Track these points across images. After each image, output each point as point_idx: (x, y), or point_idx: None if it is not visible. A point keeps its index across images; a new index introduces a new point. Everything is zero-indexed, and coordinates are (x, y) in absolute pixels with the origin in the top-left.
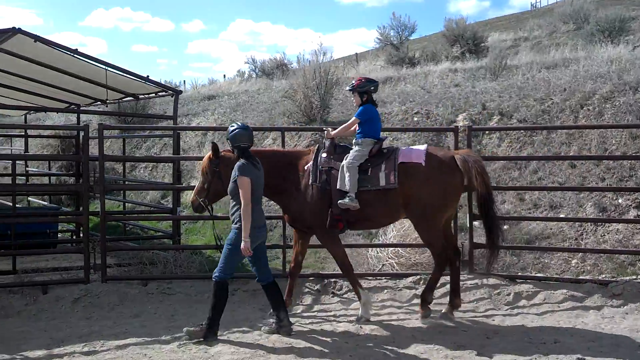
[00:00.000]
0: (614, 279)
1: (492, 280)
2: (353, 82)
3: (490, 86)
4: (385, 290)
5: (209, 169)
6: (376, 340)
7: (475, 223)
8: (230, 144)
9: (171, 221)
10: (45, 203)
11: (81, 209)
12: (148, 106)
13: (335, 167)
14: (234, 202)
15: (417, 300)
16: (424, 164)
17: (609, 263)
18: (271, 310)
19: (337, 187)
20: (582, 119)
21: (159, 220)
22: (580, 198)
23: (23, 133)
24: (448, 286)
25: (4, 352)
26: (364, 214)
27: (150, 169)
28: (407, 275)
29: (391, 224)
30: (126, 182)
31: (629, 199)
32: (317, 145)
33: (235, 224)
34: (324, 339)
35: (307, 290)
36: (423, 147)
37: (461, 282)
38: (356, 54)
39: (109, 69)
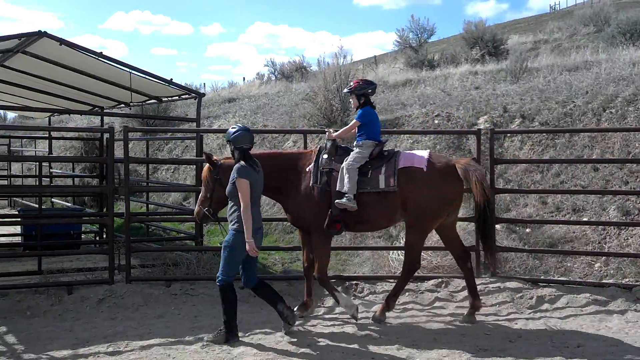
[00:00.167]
0: (637, 283)
1: (514, 284)
2: (351, 84)
3: (511, 89)
4: (407, 293)
5: (209, 178)
6: (398, 343)
7: (498, 226)
8: (232, 145)
9: (194, 222)
10: (69, 204)
11: (104, 210)
12: (170, 109)
13: (335, 168)
14: (232, 204)
15: (439, 304)
16: (425, 170)
17: (632, 267)
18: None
19: (337, 188)
20: (605, 121)
21: (181, 221)
22: (603, 201)
23: (46, 135)
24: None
25: (30, 352)
26: (363, 216)
27: (172, 171)
28: (428, 278)
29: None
30: (149, 184)
31: None
32: (319, 146)
33: (233, 225)
34: (345, 340)
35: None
36: (425, 152)
37: (483, 286)
38: (374, 56)
39: (134, 71)
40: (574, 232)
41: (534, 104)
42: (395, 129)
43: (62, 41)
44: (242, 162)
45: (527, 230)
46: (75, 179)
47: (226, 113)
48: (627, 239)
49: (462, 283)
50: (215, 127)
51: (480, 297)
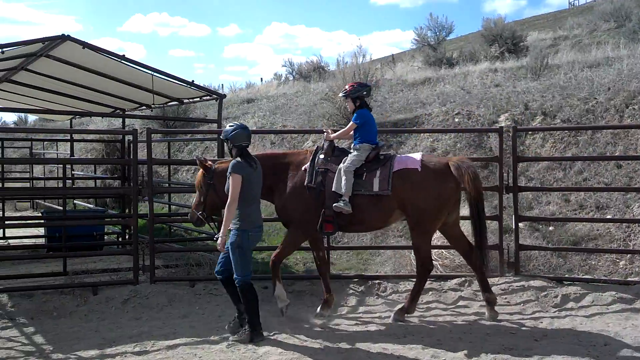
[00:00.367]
0: None
1: (538, 282)
2: (346, 87)
3: (532, 86)
4: (430, 292)
5: (203, 182)
6: (423, 343)
7: (521, 225)
8: (230, 143)
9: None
10: (91, 206)
11: (127, 211)
12: (189, 110)
13: (331, 169)
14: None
15: (463, 302)
16: (419, 170)
17: None
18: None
19: (333, 189)
20: (628, 118)
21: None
22: (627, 199)
23: (67, 137)
24: (494, 288)
25: (58, 352)
26: (357, 218)
27: (192, 172)
28: (451, 277)
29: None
30: (171, 185)
31: None
32: (316, 146)
33: (234, 224)
34: (369, 340)
35: (351, 291)
36: (418, 155)
37: (507, 285)
38: (392, 55)
39: (156, 74)
40: (597, 230)
41: (555, 101)
42: (415, 128)
43: (85, 44)
44: (239, 159)
45: (550, 228)
46: (97, 180)
47: (245, 114)
48: None
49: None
50: None
51: (505, 296)
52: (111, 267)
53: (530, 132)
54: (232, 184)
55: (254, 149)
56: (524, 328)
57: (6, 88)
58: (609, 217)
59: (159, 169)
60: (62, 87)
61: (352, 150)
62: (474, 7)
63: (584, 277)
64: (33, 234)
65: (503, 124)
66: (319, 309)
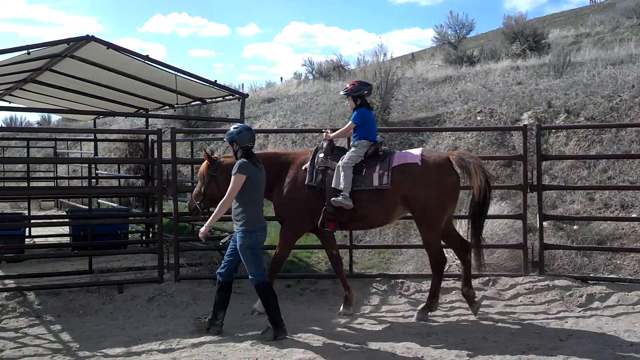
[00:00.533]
0: None
1: (563, 282)
2: (347, 86)
3: (554, 83)
4: (454, 292)
5: (206, 173)
6: (447, 342)
7: (545, 224)
8: (235, 144)
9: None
10: (114, 204)
11: (150, 210)
12: (211, 110)
13: (331, 166)
14: (237, 203)
15: (487, 302)
16: (419, 164)
17: None
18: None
19: (332, 185)
20: None
21: (225, 220)
22: None
23: (91, 137)
24: (518, 287)
25: (85, 349)
26: (358, 214)
27: None
28: (475, 277)
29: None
30: (193, 184)
31: None
32: (316, 146)
33: (240, 225)
34: (393, 339)
35: (374, 290)
36: (418, 150)
37: (532, 284)
38: (412, 53)
39: (179, 74)
40: (622, 229)
41: (578, 98)
42: (437, 127)
43: (109, 45)
44: (244, 159)
45: (575, 227)
46: (120, 179)
47: (266, 113)
48: None
49: (510, 281)
50: (256, 127)
51: (529, 296)
52: (136, 265)
53: (553, 130)
54: (234, 183)
55: (275, 149)
56: (549, 328)
57: (30, 88)
58: (634, 215)
59: (181, 168)
60: (86, 87)
61: (351, 148)
62: (494, 5)
63: (609, 276)
64: (57, 233)
65: (526, 122)
66: (341, 307)
